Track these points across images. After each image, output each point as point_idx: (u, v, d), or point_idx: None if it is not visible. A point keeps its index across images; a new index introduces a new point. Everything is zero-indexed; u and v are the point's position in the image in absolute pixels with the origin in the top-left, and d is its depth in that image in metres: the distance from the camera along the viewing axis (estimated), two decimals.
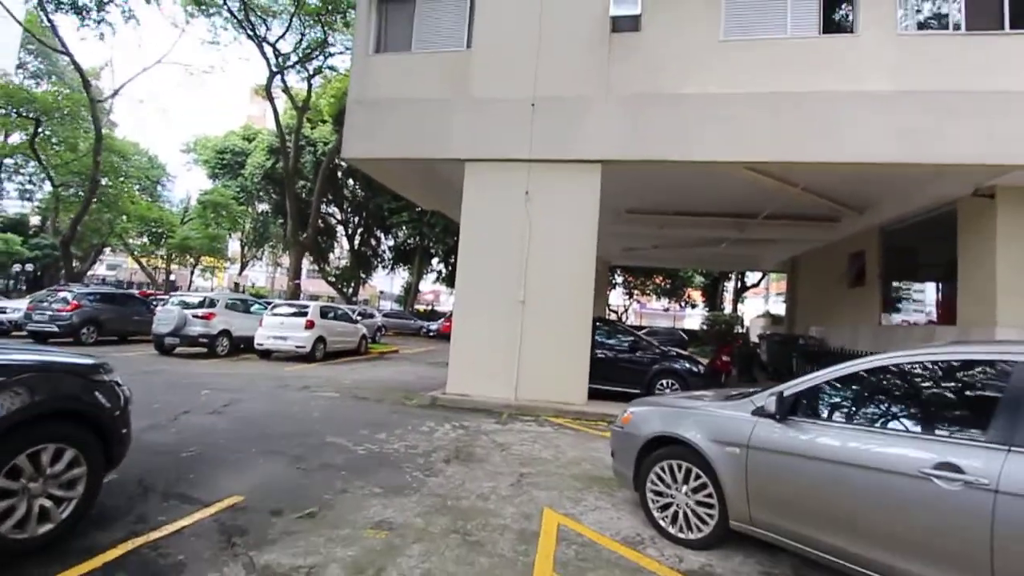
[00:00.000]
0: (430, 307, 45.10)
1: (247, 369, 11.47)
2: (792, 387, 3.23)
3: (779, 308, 35.48)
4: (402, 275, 42.27)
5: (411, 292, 36.18)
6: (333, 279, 37.39)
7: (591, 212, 8.83)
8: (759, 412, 3.27)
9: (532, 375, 8.54)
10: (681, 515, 3.60)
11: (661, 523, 3.71)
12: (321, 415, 7.17)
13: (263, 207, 37.10)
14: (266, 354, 13.65)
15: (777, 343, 15.95)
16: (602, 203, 8.89)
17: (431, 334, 28.15)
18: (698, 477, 3.52)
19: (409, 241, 33.93)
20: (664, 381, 9.12)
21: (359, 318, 20.06)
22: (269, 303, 16.02)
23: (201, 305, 13.56)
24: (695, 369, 9.22)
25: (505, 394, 8.51)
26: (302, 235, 23.18)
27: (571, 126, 8.73)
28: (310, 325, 13.44)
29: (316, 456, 5.19)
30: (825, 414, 3.15)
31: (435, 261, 35.65)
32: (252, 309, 14.98)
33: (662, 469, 3.72)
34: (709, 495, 3.46)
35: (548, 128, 8.75)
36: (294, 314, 13.71)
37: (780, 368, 15.84)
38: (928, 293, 11.89)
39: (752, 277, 33.15)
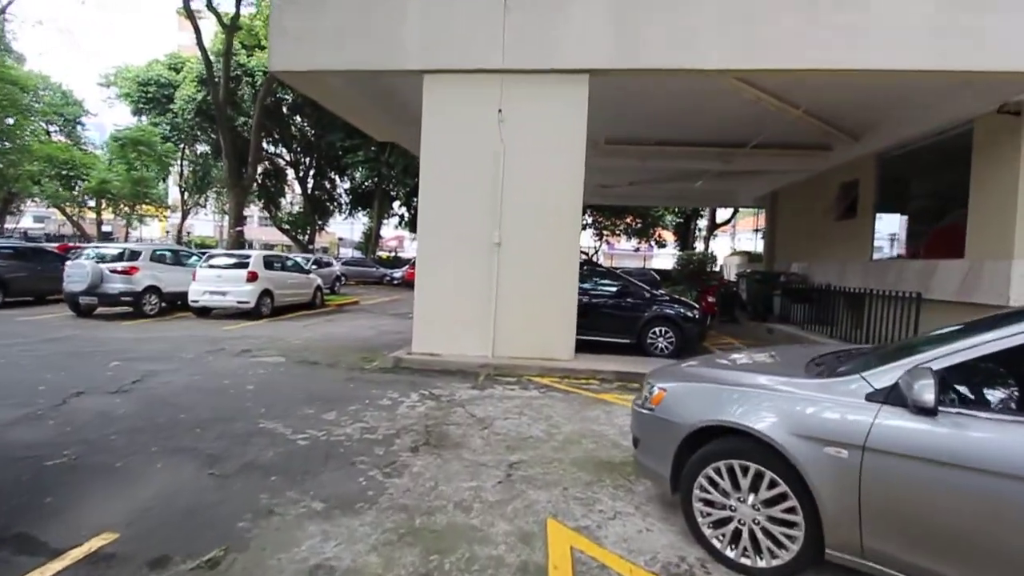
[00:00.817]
0: (393, 254, 43.16)
1: (178, 331, 9.91)
2: (944, 357, 2.13)
3: (746, 245, 35.31)
4: (362, 220, 39.93)
5: (372, 238, 34.13)
6: (287, 226, 34.89)
7: (577, 135, 7.46)
8: (882, 397, 2.19)
9: (511, 329, 7.40)
10: (746, 534, 2.58)
11: (715, 543, 2.68)
12: (257, 388, 5.86)
13: (202, 148, 33.63)
14: (204, 312, 12.04)
15: (757, 281, 15.33)
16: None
17: (395, 282, 26.68)
18: (774, 485, 2.47)
19: (367, 183, 31.56)
20: (658, 329, 8.17)
21: (314, 267, 18.39)
22: (205, 254, 14.15)
23: (120, 258, 11.68)
24: (690, 314, 8.27)
25: (481, 351, 7.38)
26: (243, 176, 20.82)
27: (553, 25, 7.15)
28: (252, 277, 11.82)
29: (239, 453, 3.95)
30: (999, 402, 2.09)
31: (396, 204, 33.51)
32: (187, 262, 13.14)
33: (717, 471, 2.65)
34: (791, 510, 2.43)
35: (524, 28, 7.15)
36: (233, 265, 12.02)
37: (759, 307, 15.34)
38: (922, 225, 11.19)
39: (723, 215, 32.62)
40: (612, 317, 8.35)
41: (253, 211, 46.58)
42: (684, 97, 9.69)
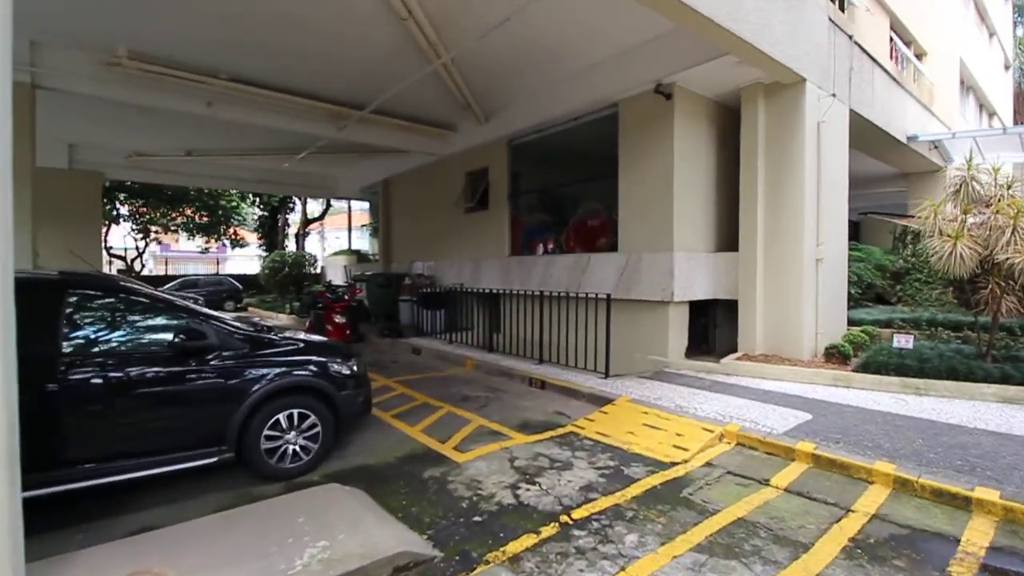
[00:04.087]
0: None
1: None
2: None
3: (338, 245, 32.65)
4: None
5: None
6: None
7: None
8: None
9: None
10: None
11: None
12: None
13: None
14: None
15: (380, 286, 12.45)
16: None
17: None
18: None
19: None
20: (284, 416, 3.75)
21: None
22: None
23: None
24: (345, 371, 4.18)
25: None
26: None
27: None
28: None
29: None
30: None
31: None
32: None
33: None
34: None
35: None
36: None
37: (381, 315, 12.54)
38: (558, 218, 10.60)
39: (314, 210, 28.80)
40: (161, 411, 3.36)
41: None
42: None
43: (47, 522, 3.07)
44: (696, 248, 7.43)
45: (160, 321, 3.48)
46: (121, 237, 27.66)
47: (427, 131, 10.94)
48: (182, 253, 40.08)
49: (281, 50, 7.43)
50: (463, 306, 10.38)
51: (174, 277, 24.20)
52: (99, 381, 3.14)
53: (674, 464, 4.00)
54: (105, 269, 27.66)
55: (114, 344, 3.28)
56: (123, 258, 26.33)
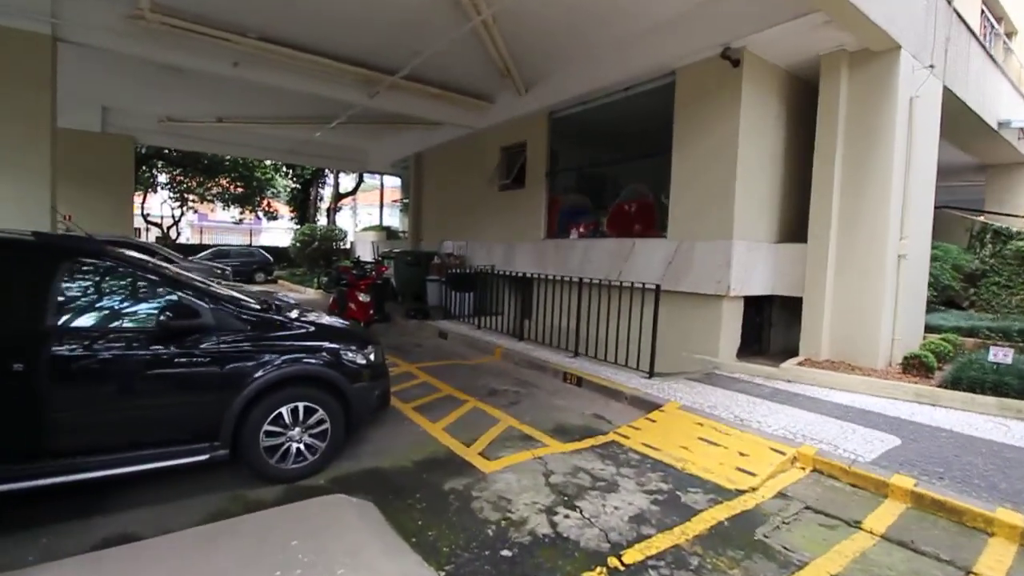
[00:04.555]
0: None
1: None
2: None
3: (372, 222, 32.46)
4: None
5: None
6: None
7: None
8: None
9: None
10: None
11: None
12: None
13: None
14: None
15: (408, 264, 11.98)
16: None
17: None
18: None
19: None
20: (287, 409, 3.26)
21: None
22: None
23: None
24: (360, 361, 3.66)
25: None
26: None
27: None
28: None
29: None
30: None
31: None
32: None
33: None
34: None
35: None
36: None
37: (408, 295, 12.10)
38: (610, 198, 9.87)
39: (346, 185, 28.61)
40: (142, 400, 2.89)
41: None
42: None
43: (12, 520, 2.66)
44: (757, 237, 6.63)
45: (148, 295, 3.00)
46: (159, 204, 28.09)
47: (462, 101, 10.28)
48: (217, 223, 40.67)
49: (311, 6, 6.87)
50: (494, 289, 9.82)
51: (208, 246, 24.36)
52: (72, 362, 2.68)
53: (740, 492, 3.36)
54: (143, 237, 28.22)
55: (91, 320, 2.81)
56: (159, 225, 26.73)
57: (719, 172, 6.47)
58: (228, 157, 22.76)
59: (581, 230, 8.83)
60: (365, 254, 16.86)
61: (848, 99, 6.20)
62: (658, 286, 5.99)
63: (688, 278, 6.72)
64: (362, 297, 7.53)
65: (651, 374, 5.88)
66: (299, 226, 23.10)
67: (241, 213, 27.78)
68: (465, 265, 11.40)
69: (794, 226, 7.07)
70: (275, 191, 26.62)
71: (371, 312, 7.64)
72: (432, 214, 13.89)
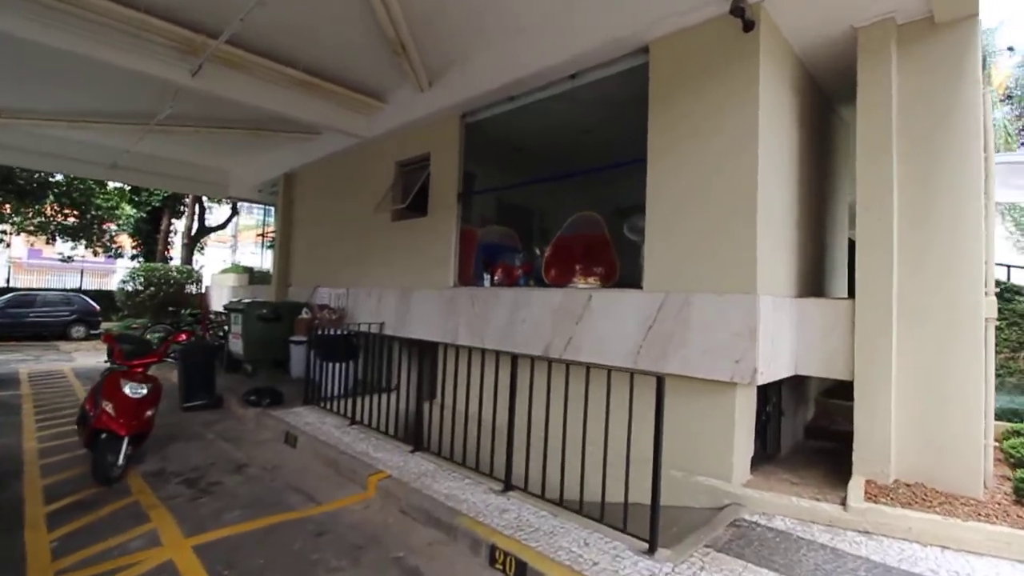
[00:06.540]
0: None
1: None
2: None
3: (252, 260, 27.53)
4: None
5: None
6: None
7: None
8: None
9: None
10: None
11: None
12: None
13: None
14: None
15: (263, 319, 8.57)
16: None
17: None
18: None
19: None
20: None
21: None
22: None
23: None
24: None
25: None
26: None
27: None
28: None
29: None
30: None
31: None
32: None
33: None
34: None
35: None
36: None
37: (265, 361, 8.64)
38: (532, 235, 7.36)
39: (217, 217, 24.07)
40: None
41: None
42: None
43: None
44: (780, 290, 4.38)
45: None
46: None
47: (345, 97, 7.47)
48: (54, 262, 33.05)
49: None
50: (380, 358, 6.76)
51: (12, 289, 18.59)
52: None
53: None
54: None
55: None
56: None
57: (729, 190, 4.18)
58: (55, 176, 17.91)
59: (509, 274, 6.18)
60: (222, 301, 12.94)
61: (900, 89, 4.25)
62: (660, 376, 3.35)
63: (682, 352, 4.25)
64: (130, 391, 4.15)
65: (652, 546, 3.18)
66: (141, 263, 18.34)
67: (86, 248, 21.93)
68: (343, 322, 8.27)
69: (813, 273, 4.97)
70: (121, 223, 21.41)
71: (146, 418, 4.26)
72: (304, 252, 10.60)
